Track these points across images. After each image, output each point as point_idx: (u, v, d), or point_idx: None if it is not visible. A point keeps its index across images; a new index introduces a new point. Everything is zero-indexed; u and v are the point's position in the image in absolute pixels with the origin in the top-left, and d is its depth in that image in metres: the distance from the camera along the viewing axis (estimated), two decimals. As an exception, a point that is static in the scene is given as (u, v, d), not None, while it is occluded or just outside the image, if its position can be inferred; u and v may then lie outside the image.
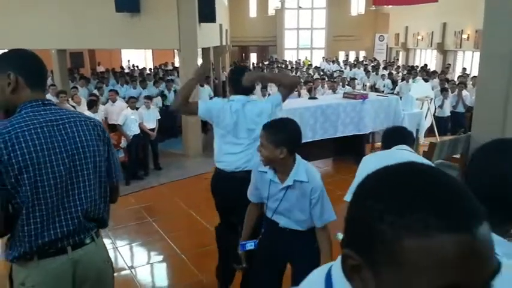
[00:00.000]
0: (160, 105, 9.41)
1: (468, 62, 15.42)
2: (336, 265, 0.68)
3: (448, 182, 0.55)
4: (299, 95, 8.58)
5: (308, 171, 2.17)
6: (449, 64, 16.06)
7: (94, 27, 7.89)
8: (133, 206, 5.54)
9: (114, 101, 7.60)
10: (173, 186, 6.34)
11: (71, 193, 1.70)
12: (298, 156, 2.21)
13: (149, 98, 7.62)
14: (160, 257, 4.28)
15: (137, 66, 17.97)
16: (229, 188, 2.91)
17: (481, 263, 0.51)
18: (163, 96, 10.00)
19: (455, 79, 11.79)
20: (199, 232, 4.64)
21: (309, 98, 6.65)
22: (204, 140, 8.49)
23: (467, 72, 13.35)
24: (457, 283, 0.50)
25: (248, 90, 3.02)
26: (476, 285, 0.51)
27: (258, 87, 10.27)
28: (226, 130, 2.96)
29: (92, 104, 6.70)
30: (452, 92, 9.29)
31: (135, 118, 6.77)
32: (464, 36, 15.18)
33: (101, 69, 17.42)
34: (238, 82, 2.94)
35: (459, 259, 0.50)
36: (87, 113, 6.27)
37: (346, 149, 6.53)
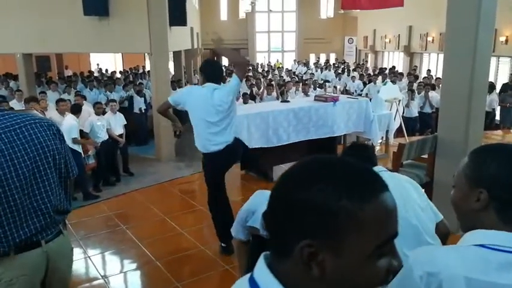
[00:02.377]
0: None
1: (433, 63, 15.93)
2: (259, 269, 0.72)
3: (365, 166, 0.70)
4: (277, 98, 8.65)
5: None
6: (416, 66, 16.55)
7: (61, 30, 7.70)
8: (105, 213, 5.43)
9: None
10: (146, 192, 6.25)
11: (37, 192, 1.82)
12: None
13: (114, 101, 7.50)
14: (135, 265, 4.20)
15: (106, 70, 17.63)
16: (224, 159, 3.70)
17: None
18: (131, 100, 9.86)
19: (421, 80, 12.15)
20: (174, 238, 4.60)
21: (282, 101, 6.70)
22: (177, 145, 8.41)
23: (433, 73, 13.78)
24: (395, 229, 0.67)
25: (218, 79, 3.59)
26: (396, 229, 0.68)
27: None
28: (200, 112, 3.54)
29: (78, 109, 6.44)
30: (419, 93, 9.59)
31: (102, 124, 6.63)
32: (429, 39, 15.69)
33: (68, 73, 17.01)
34: (210, 72, 3.58)
35: (394, 211, 0.67)
36: (70, 117, 6.12)
37: (319, 151, 6.61)
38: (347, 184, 0.65)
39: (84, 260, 4.14)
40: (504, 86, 10.86)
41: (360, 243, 0.64)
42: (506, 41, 11.83)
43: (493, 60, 12.11)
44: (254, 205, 2.28)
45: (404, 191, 2.08)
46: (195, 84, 14.74)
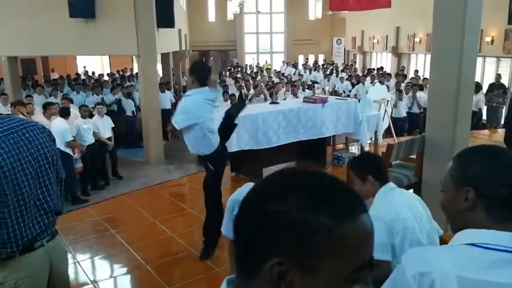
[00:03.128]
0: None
1: (421, 64, 16.09)
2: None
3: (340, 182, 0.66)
4: (265, 100, 8.64)
5: None
6: (404, 66, 16.70)
7: (47, 33, 7.60)
8: (94, 217, 5.37)
9: None
10: (135, 195, 6.20)
11: (39, 191, 1.88)
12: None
13: (101, 104, 7.43)
14: (125, 269, 4.16)
15: (93, 73, 17.45)
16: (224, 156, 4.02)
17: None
18: (120, 103, 9.78)
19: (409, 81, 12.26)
20: (164, 241, 4.57)
21: (271, 103, 6.71)
22: (166, 147, 8.37)
23: (420, 74, 13.92)
24: (371, 253, 0.64)
25: (207, 80, 3.62)
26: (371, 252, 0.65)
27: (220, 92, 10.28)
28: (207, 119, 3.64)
29: (67, 112, 6.30)
30: (407, 94, 9.68)
31: (88, 127, 6.55)
32: (417, 39, 15.84)
33: (54, 76, 16.81)
34: (200, 73, 3.59)
35: (372, 233, 0.64)
36: (60, 121, 6.03)
37: (309, 152, 6.63)
38: (328, 200, 0.61)
39: (73, 265, 4.09)
40: (491, 85, 11.01)
41: (336, 264, 0.60)
42: (492, 41, 11.99)
43: (479, 60, 12.27)
44: (241, 195, 2.28)
45: (415, 209, 2.13)
46: (183, 85, 14.71)
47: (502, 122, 9.49)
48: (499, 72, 11.76)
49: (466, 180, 1.09)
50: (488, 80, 12.14)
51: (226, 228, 2.49)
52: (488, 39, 12.05)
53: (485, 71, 13.01)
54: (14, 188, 1.74)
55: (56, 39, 7.71)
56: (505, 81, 11.33)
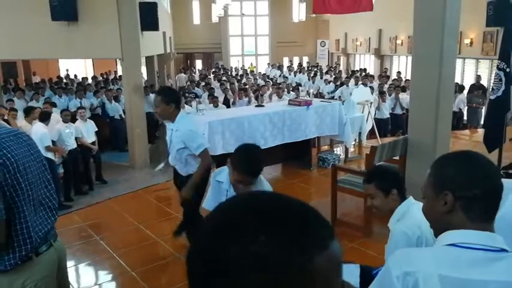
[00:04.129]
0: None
1: (403, 66, 16.33)
2: None
3: (309, 208, 0.60)
4: (249, 102, 8.65)
5: (261, 180, 2.29)
6: (386, 68, 16.93)
7: (29, 36, 7.48)
8: (78, 224, 5.30)
9: None
10: (120, 200, 6.13)
11: (45, 190, 1.92)
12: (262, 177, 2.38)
13: (84, 108, 7.34)
14: (110, 276, 4.12)
15: (75, 76, 17.23)
16: None
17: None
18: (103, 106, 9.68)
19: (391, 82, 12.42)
20: (149, 247, 4.53)
21: (256, 106, 6.72)
22: (151, 151, 8.32)
23: (402, 75, 14.12)
24: (341, 277, 0.60)
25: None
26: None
27: (206, 94, 10.26)
28: None
29: (46, 116, 6.15)
30: (390, 95, 9.82)
31: (70, 132, 6.47)
32: (399, 41, 16.07)
33: (36, 79, 16.54)
34: (175, 98, 3.60)
35: (342, 260, 0.60)
36: (39, 125, 5.93)
37: (294, 154, 6.67)
38: (298, 233, 0.55)
39: (56, 273, 4.03)
40: (471, 86, 11.24)
41: None
42: (471, 43, 12.24)
43: (459, 61, 12.51)
44: (224, 171, 2.45)
45: None
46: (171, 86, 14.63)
47: (482, 122, 9.68)
48: (478, 74, 12.02)
49: (444, 185, 1.15)
50: (468, 81, 12.38)
51: (209, 204, 2.56)
52: (467, 41, 12.31)
53: (465, 72, 13.27)
54: (26, 182, 1.77)
55: (38, 43, 7.60)
56: (484, 82, 11.57)
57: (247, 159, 2.23)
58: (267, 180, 2.56)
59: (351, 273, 1.95)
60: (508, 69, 4.79)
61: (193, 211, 3.79)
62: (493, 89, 5.06)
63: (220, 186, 2.41)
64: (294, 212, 0.58)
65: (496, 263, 1.05)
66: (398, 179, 2.20)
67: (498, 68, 4.89)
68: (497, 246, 1.07)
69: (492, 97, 5.00)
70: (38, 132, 5.72)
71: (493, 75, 5.15)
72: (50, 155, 5.80)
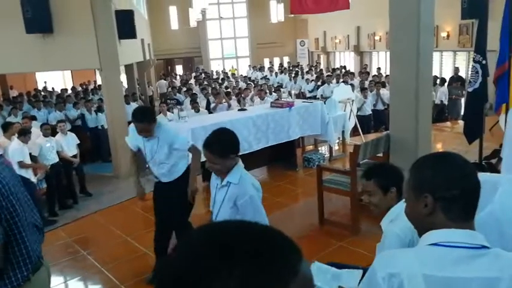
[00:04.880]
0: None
1: (382, 61, 16.52)
2: None
3: (275, 233, 0.59)
4: (229, 106, 8.61)
5: (242, 176, 2.28)
6: (366, 64, 17.10)
7: (3, 50, 7.30)
8: (64, 239, 5.21)
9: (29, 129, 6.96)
10: (106, 212, 6.05)
11: (30, 208, 1.91)
12: (239, 163, 2.33)
13: (64, 121, 7.21)
14: (99, 291, 4.06)
15: (53, 88, 16.91)
16: None
17: None
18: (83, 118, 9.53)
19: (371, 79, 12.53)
20: (138, 259, 4.47)
21: (239, 110, 6.71)
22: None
23: (382, 71, 14.27)
24: None
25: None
26: None
27: (188, 100, 10.18)
28: None
29: (23, 132, 5.89)
30: (371, 91, 9.90)
31: (51, 146, 6.34)
32: (377, 38, 16.26)
33: (13, 93, 16.22)
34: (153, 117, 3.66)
35: (312, 278, 0.60)
36: (15, 142, 5.76)
37: (279, 156, 6.67)
38: (269, 262, 0.54)
39: (44, 292, 3.95)
40: (450, 79, 11.43)
41: None
42: (448, 36, 12.46)
43: (437, 55, 12.72)
44: None
45: None
46: (149, 96, 14.54)
47: (462, 114, 9.84)
48: (456, 66, 12.23)
49: (423, 188, 1.17)
50: (446, 74, 12.59)
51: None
52: (444, 34, 12.52)
53: (444, 65, 13.49)
54: (20, 206, 1.79)
55: (13, 56, 7.44)
56: (462, 73, 11.78)
57: (210, 137, 2.29)
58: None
59: (352, 277, 1.96)
60: (484, 62, 4.89)
61: (184, 225, 3.78)
62: (470, 81, 5.15)
63: (213, 181, 2.43)
64: (263, 241, 0.57)
65: (478, 260, 1.08)
66: (398, 177, 2.12)
67: (474, 61, 4.98)
68: (478, 243, 1.10)
69: (470, 89, 5.09)
70: (12, 148, 5.59)
71: (470, 67, 5.25)
72: (23, 172, 5.63)
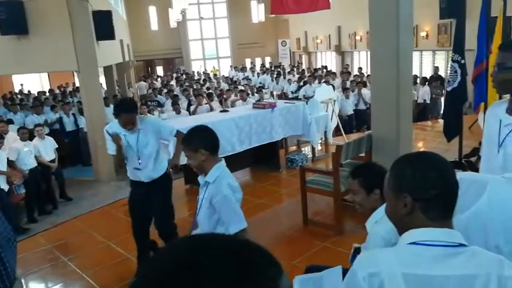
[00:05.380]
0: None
1: (364, 61, 16.69)
2: None
3: (253, 248, 0.58)
4: (211, 109, 8.53)
5: (219, 176, 2.26)
6: (348, 64, 17.24)
7: (-23, 53, 7.11)
8: (44, 246, 5.08)
9: (5, 133, 6.71)
10: (87, 217, 5.93)
11: (1, 222, 1.82)
12: (221, 163, 2.31)
13: (41, 125, 7.04)
14: (80, 299, 3.97)
15: (29, 91, 16.51)
16: None
17: None
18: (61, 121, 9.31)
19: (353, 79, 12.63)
20: (121, 264, 4.39)
21: (221, 111, 6.66)
22: (116, 163, 8.08)
23: (364, 71, 14.40)
24: None
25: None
26: None
27: (169, 101, 10.08)
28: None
29: None
30: (353, 91, 9.99)
31: (29, 150, 6.18)
32: (358, 37, 16.41)
33: (-11, 97, 15.77)
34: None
35: None
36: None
37: (262, 157, 6.66)
38: (246, 277, 0.53)
39: (22, 302, 3.83)
40: (430, 78, 11.61)
41: None
42: (427, 35, 12.66)
43: (417, 54, 12.91)
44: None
45: None
46: (130, 98, 14.29)
47: (442, 113, 10.01)
48: (436, 65, 12.43)
49: (401, 188, 1.18)
50: (426, 73, 12.79)
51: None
52: (423, 34, 12.72)
53: (423, 65, 13.71)
54: None
55: (-13, 59, 7.25)
56: (442, 73, 11.99)
57: (187, 132, 2.36)
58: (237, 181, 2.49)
59: (333, 276, 1.93)
60: (462, 61, 4.96)
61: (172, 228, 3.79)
62: (448, 81, 5.23)
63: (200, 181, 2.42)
64: (241, 257, 0.55)
65: (455, 258, 1.09)
66: (383, 179, 2.13)
67: (453, 60, 5.05)
68: (455, 241, 1.11)
69: (449, 89, 5.16)
70: None
71: (449, 66, 5.33)
72: None
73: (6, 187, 5.66)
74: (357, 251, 2.43)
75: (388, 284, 1.08)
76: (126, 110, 3.46)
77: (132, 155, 3.66)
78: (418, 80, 10.82)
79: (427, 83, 10.71)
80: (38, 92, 14.85)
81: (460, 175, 1.27)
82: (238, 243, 0.58)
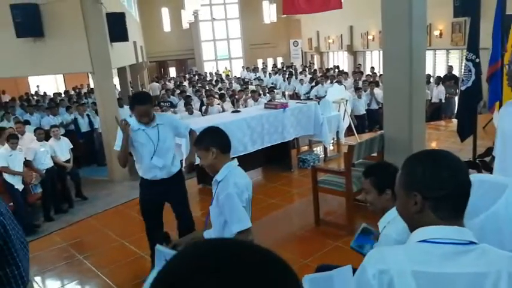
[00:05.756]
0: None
1: (376, 61, 16.58)
2: None
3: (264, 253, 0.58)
4: (223, 110, 8.57)
5: (228, 175, 2.28)
6: (360, 64, 17.14)
7: (-6, 56, 7.27)
8: (60, 244, 5.17)
9: (22, 134, 6.84)
10: (101, 216, 6.02)
11: (14, 225, 1.81)
12: (231, 162, 2.33)
13: (57, 126, 7.16)
14: (95, 296, 4.03)
15: (44, 93, 16.77)
16: None
17: None
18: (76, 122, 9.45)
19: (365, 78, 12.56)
20: (135, 262, 4.45)
21: (233, 112, 6.70)
22: (130, 163, 8.17)
23: (376, 70, 14.30)
24: None
25: None
26: None
27: (182, 102, 10.16)
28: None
29: (12, 137, 5.86)
30: (365, 91, 9.93)
31: (45, 150, 6.31)
32: (370, 37, 16.32)
33: (6, 98, 16.10)
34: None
35: None
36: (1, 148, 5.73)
37: (274, 157, 6.67)
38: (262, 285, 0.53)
39: (39, 298, 3.92)
40: (444, 77, 11.48)
41: None
42: (441, 34, 12.52)
43: (430, 53, 12.78)
44: None
45: None
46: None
47: (456, 112, 9.88)
48: (450, 64, 12.29)
49: (412, 186, 1.17)
50: (440, 72, 12.65)
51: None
52: (436, 32, 12.58)
53: (437, 64, 13.56)
54: (10, 224, 1.75)
55: (4, 61, 7.40)
56: (456, 72, 11.84)
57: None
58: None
59: (344, 275, 1.94)
60: (477, 60, 4.91)
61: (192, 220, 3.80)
62: (463, 80, 5.17)
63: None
64: (252, 262, 0.55)
65: (466, 256, 1.09)
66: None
67: (467, 59, 4.99)
68: (465, 239, 1.11)
69: (463, 88, 5.11)
70: None
71: (463, 65, 5.27)
72: (8, 178, 5.59)
73: (21, 187, 5.78)
74: (365, 230, 2.42)
75: (398, 281, 1.08)
76: (141, 102, 3.42)
77: (147, 152, 3.54)
78: (432, 80, 10.70)
79: (441, 82, 10.60)
80: (54, 94, 15.08)
81: (481, 176, 1.27)
82: (251, 249, 0.58)
